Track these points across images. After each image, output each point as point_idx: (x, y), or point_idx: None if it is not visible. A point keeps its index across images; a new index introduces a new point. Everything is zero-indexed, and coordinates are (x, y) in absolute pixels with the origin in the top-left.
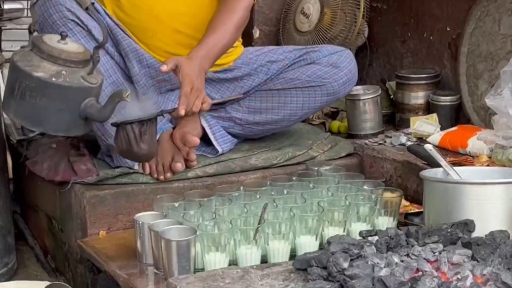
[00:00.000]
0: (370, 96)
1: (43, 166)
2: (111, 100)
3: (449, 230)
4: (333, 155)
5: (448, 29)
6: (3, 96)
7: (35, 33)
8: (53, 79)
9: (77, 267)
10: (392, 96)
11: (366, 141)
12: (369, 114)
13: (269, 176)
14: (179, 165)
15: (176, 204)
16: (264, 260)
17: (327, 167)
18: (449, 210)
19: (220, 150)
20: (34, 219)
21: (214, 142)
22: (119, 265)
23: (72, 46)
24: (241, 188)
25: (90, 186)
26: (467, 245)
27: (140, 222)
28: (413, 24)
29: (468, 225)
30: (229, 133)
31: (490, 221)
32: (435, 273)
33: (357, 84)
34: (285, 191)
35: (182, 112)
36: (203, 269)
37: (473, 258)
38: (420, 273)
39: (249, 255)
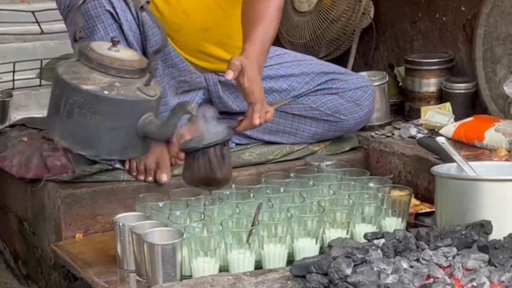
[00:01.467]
0: (376, 84)
1: (12, 162)
2: (174, 114)
3: (463, 232)
4: (335, 149)
5: (462, 8)
6: (48, 116)
7: (81, 41)
8: (105, 92)
9: (51, 274)
10: (400, 84)
11: (372, 134)
12: (375, 104)
13: (264, 173)
14: (165, 177)
15: (161, 204)
16: (258, 266)
17: (329, 163)
18: (464, 210)
19: None
20: (3, 221)
21: None
22: (98, 272)
23: (125, 54)
24: (233, 186)
25: (65, 184)
26: (483, 248)
27: (121, 224)
28: (424, 3)
29: (484, 227)
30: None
31: (509, 222)
32: (448, 280)
33: (362, 70)
34: (281, 190)
35: (258, 122)
36: (190, 276)
37: (490, 263)
38: (432, 280)
39: (242, 260)
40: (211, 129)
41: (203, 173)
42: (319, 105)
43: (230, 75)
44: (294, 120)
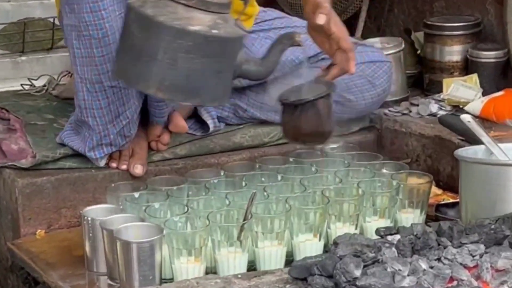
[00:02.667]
0: (390, 52)
1: None
2: (277, 48)
3: (492, 226)
4: (342, 129)
5: None
6: (130, 67)
7: None
8: (214, 31)
9: (8, 277)
10: (419, 52)
11: (386, 111)
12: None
13: (258, 157)
14: (139, 169)
15: (136, 195)
16: (251, 267)
17: (334, 145)
18: (493, 200)
19: (211, 127)
20: None
21: (205, 115)
22: (62, 275)
23: None
24: (222, 173)
25: (24, 171)
26: None
27: (89, 218)
28: None
29: None
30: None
31: None
32: (475, 283)
33: (374, 36)
34: (279, 177)
35: (354, 70)
36: (171, 280)
37: None
38: (455, 282)
39: (232, 260)
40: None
41: (311, 127)
42: None
43: (322, 20)
44: None
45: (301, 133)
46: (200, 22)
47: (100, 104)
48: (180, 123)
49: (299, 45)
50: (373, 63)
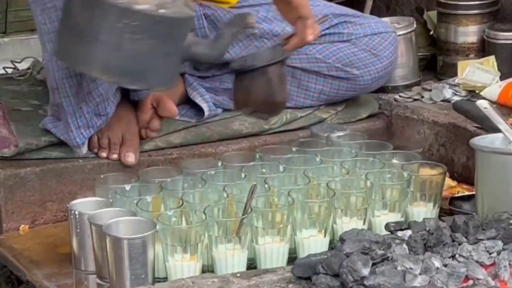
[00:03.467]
0: (401, 32)
1: None
2: (229, 29)
3: (511, 221)
4: (349, 116)
5: None
6: (73, 48)
7: None
8: (161, 11)
9: None
10: (432, 32)
11: (396, 96)
12: (400, 58)
13: (258, 147)
14: (131, 157)
15: (128, 187)
16: (251, 265)
17: (341, 133)
18: None
19: (206, 112)
20: None
21: (198, 99)
22: (48, 274)
23: None
24: (219, 163)
25: (6, 161)
26: None
27: (77, 213)
28: None
29: None
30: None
31: None
32: (492, 282)
33: (384, 15)
34: (281, 168)
35: (311, 38)
36: (165, 279)
37: None
38: (471, 282)
39: (231, 258)
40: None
41: (262, 95)
42: (326, 56)
43: None
44: (295, 76)
45: (251, 101)
46: (146, 1)
47: (72, 82)
48: (170, 106)
49: (252, 27)
50: (377, 35)
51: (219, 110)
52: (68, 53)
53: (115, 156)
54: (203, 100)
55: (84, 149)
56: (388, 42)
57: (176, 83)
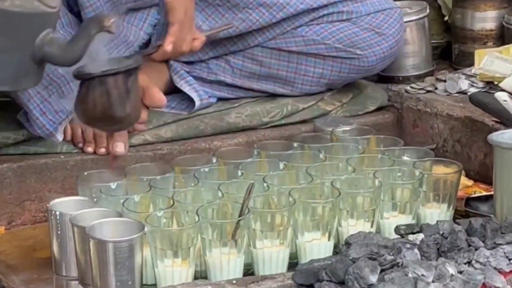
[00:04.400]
0: (413, 18)
1: None
2: (84, 31)
3: None
4: (356, 108)
5: None
6: None
7: None
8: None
9: None
10: (446, 18)
11: (407, 87)
12: (411, 46)
13: (256, 142)
14: (120, 147)
15: (113, 185)
16: (248, 271)
17: (347, 128)
18: None
19: (197, 102)
20: None
21: (187, 88)
22: (26, 279)
23: None
24: (214, 160)
25: None
26: None
27: (58, 213)
28: None
29: None
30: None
31: None
32: None
33: None
34: (281, 165)
35: (169, 48)
36: (154, 285)
37: None
38: None
39: (226, 263)
40: (99, 50)
41: (99, 109)
42: (325, 37)
43: None
44: (292, 60)
45: (87, 115)
46: None
47: None
48: (157, 95)
49: (108, 31)
50: (381, 12)
51: (213, 100)
52: None
53: (102, 150)
54: (192, 89)
55: (60, 136)
56: (394, 19)
57: (34, 83)
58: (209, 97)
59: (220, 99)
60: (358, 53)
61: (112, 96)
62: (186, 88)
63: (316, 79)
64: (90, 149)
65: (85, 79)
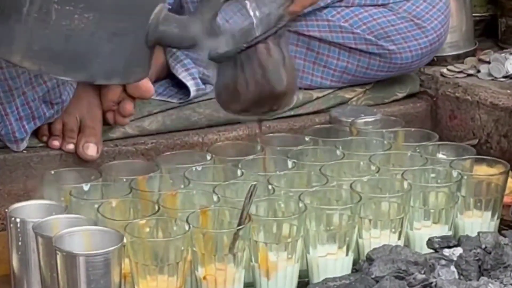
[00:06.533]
0: None
1: None
2: (207, 3)
3: None
4: (381, 95)
5: None
6: None
7: None
8: None
9: None
10: None
11: (444, 70)
12: (449, 20)
13: (260, 135)
14: (91, 149)
15: (86, 187)
16: None
17: (370, 119)
18: None
19: (193, 91)
20: None
21: (183, 74)
22: None
23: None
24: (208, 156)
25: None
26: None
27: (18, 220)
28: None
29: None
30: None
31: None
32: None
33: None
34: (289, 163)
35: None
36: None
37: None
38: None
39: (222, 281)
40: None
41: (253, 89)
42: (354, 23)
43: None
44: (311, 47)
45: (240, 100)
46: None
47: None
48: (144, 84)
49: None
50: None
51: (208, 88)
52: None
53: (70, 146)
54: (189, 75)
55: (22, 146)
56: (437, 9)
57: (141, 75)
58: (208, 84)
59: None
60: (390, 48)
61: (267, 69)
62: (181, 74)
63: (339, 74)
64: (56, 144)
65: (230, 57)
